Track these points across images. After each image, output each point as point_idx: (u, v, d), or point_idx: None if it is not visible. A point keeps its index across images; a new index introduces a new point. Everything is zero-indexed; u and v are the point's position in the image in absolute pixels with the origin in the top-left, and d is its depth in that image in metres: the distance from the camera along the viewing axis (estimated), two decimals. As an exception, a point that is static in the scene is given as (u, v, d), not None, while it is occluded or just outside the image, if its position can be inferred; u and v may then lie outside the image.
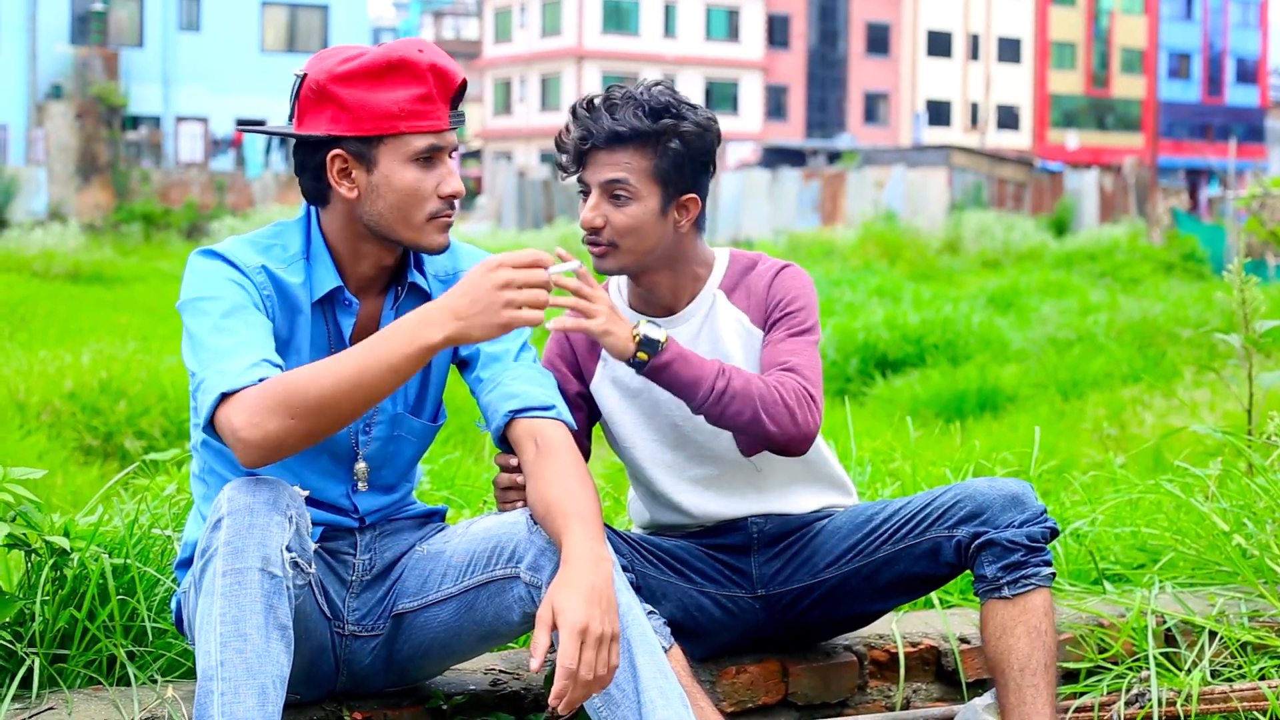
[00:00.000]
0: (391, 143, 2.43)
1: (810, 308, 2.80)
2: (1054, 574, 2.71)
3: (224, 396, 2.28)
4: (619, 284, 2.89)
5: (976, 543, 2.70)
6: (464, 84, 2.47)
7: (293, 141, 2.52)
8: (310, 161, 2.48)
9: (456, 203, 2.52)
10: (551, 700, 2.21)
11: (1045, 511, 2.72)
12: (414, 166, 2.45)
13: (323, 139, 2.44)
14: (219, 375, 2.30)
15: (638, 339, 2.59)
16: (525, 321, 2.26)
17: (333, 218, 2.52)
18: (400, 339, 2.27)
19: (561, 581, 2.27)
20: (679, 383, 2.63)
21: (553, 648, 2.24)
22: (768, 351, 2.76)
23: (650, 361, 2.60)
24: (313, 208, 2.55)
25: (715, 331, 2.81)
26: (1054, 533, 2.72)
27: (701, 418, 2.76)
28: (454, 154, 2.53)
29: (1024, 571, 2.67)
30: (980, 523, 2.71)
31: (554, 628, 2.23)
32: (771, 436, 2.65)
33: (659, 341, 2.59)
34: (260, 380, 2.28)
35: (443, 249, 2.52)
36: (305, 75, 2.45)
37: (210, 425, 2.30)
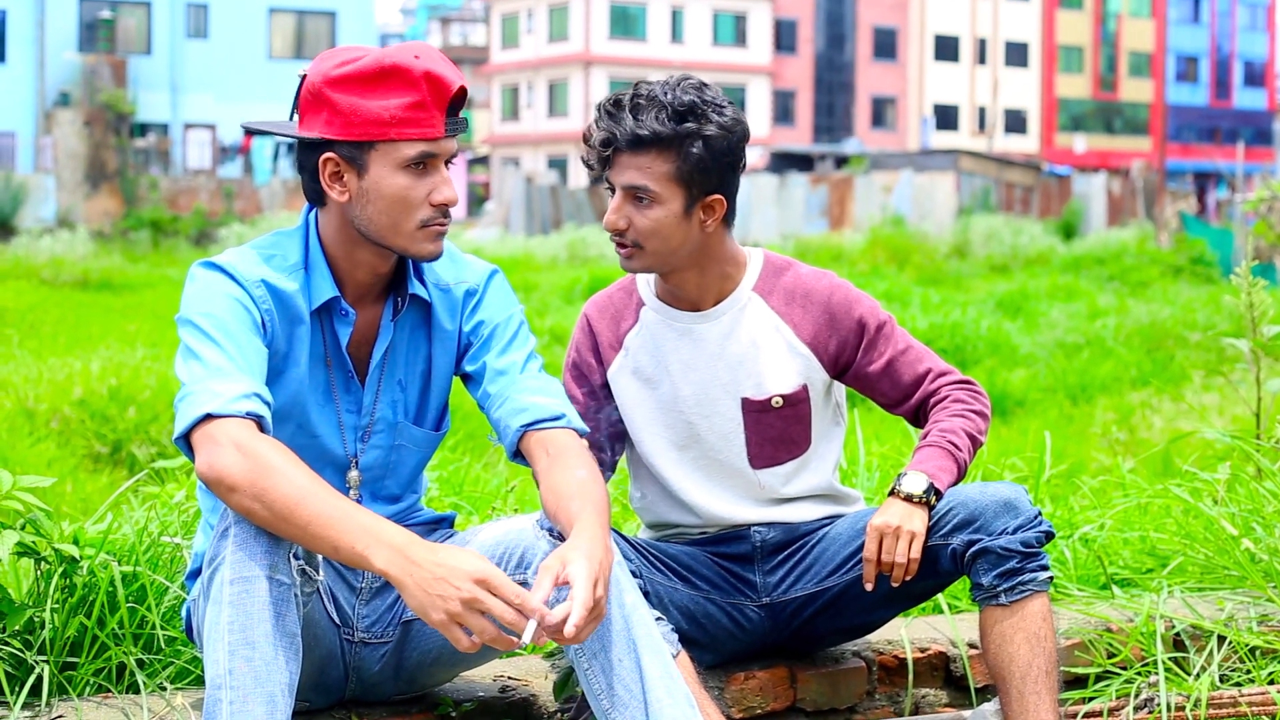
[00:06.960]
0: (383, 148, 2.42)
1: (878, 308, 2.88)
2: (1051, 578, 2.69)
3: (208, 417, 2.27)
4: (649, 277, 2.90)
5: (971, 551, 2.68)
6: (462, 91, 2.45)
7: (295, 141, 2.53)
8: (308, 162, 2.49)
9: (452, 211, 2.52)
10: (570, 627, 2.17)
11: (1039, 515, 2.70)
12: (404, 173, 2.44)
13: (317, 141, 2.45)
14: (209, 395, 2.28)
15: (913, 499, 2.72)
16: (454, 641, 2.17)
17: (329, 220, 2.52)
18: (362, 536, 2.19)
19: (572, 545, 2.28)
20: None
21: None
22: (893, 372, 2.85)
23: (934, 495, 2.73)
24: (313, 216, 2.56)
25: (747, 332, 2.83)
26: (1049, 536, 2.70)
27: (718, 423, 2.83)
28: (451, 162, 2.51)
29: (1020, 578, 2.66)
30: (974, 530, 2.69)
31: (560, 584, 2.23)
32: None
33: (929, 488, 2.72)
34: (248, 414, 2.27)
35: (434, 257, 2.50)
36: (304, 75, 2.45)
37: (183, 438, 2.29)
